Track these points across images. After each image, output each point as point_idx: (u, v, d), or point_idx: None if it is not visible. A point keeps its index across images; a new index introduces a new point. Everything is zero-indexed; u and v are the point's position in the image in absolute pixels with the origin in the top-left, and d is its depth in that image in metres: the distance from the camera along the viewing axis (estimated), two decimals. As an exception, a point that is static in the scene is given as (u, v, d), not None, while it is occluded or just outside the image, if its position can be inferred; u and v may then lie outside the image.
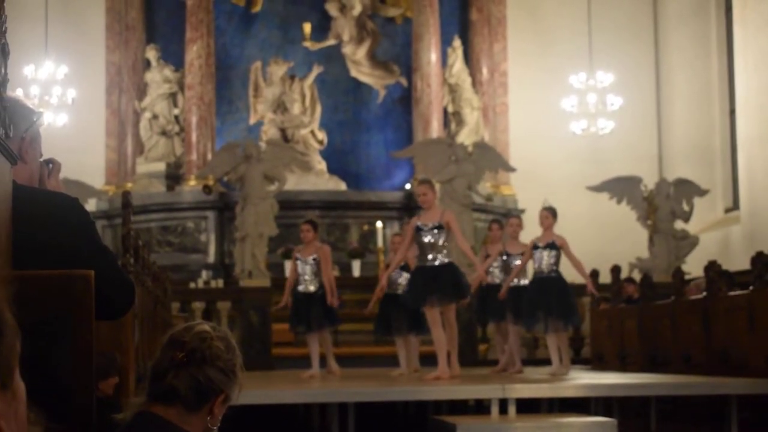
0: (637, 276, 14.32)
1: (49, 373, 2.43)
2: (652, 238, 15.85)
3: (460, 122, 19.42)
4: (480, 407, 9.41)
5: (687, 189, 15.93)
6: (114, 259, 2.88)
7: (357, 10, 19.41)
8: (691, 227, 16.13)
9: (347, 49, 19.52)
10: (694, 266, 14.21)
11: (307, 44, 19.46)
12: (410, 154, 17.34)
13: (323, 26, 19.68)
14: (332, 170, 18.86)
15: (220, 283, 16.55)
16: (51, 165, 2.98)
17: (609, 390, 8.76)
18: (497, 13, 19.76)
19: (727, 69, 18.34)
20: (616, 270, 13.00)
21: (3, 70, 2.26)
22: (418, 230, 9.51)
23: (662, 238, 15.67)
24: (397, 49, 19.99)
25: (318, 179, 18.54)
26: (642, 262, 15.89)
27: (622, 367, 11.62)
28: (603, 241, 18.03)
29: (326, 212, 17.49)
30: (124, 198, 6.59)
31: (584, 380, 9.36)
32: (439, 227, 9.43)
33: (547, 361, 11.31)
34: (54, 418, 2.20)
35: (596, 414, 8.86)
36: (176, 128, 18.95)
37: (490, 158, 16.50)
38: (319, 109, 19.15)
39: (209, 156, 17.90)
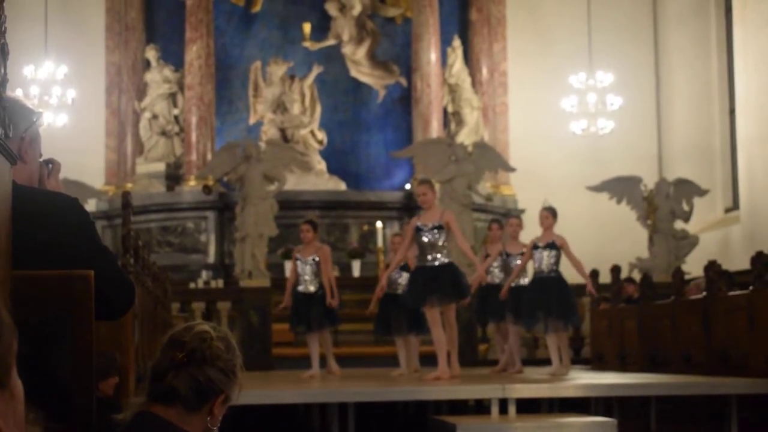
0: (637, 276, 14.32)
1: (49, 373, 2.43)
2: (652, 238, 15.86)
3: (460, 122, 19.42)
4: (480, 407, 9.41)
5: (687, 189, 15.94)
6: (114, 260, 2.88)
7: (357, 10, 19.41)
8: (691, 227, 16.13)
9: (347, 49, 19.52)
10: (694, 266, 14.21)
11: (307, 44, 19.46)
12: (410, 154, 17.34)
13: (323, 26, 19.68)
14: (332, 170, 18.86)
15: (220, 283, 16.56)
16: (51, 165, 2.98)
17: (609, 390, 8.75)
18: (497, 13, 19.76)
19: (727, 69, 18.34)
20: (616, 270, 13.00)
21: (3, 70, 2.26)
22: (418, 230, 9.51)
23: (662, 238, 15.68)
24: (396, 49, 20.00)
25: (318, 179, 18.54)
26: (642, 262, 15.89)
27: (622, 367, 11.62)
28: (603, 241, 18.04)
29: (326, 212, 17.49)
30: (124, 198, 6.59)
31: (584, 380, 9.36)
32: (439, 227, 9.43)
33: (547, 361, 11.31)
34: (54, 418, 2.20)
35: (596, 414, 8.85)
36: (176, 128, 18.95)
37: (489, 158, 16.50)
38: (318, 109, 19.15)
39: (209, 156, 17.90)
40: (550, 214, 10.26)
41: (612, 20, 19.84)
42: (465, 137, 18.62)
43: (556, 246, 10.12)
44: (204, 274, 17.23)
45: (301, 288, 10.72)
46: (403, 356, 10.93)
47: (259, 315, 13.68)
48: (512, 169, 17.38)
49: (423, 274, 9.49)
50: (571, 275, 10.57)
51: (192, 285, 16.15)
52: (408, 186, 18.42)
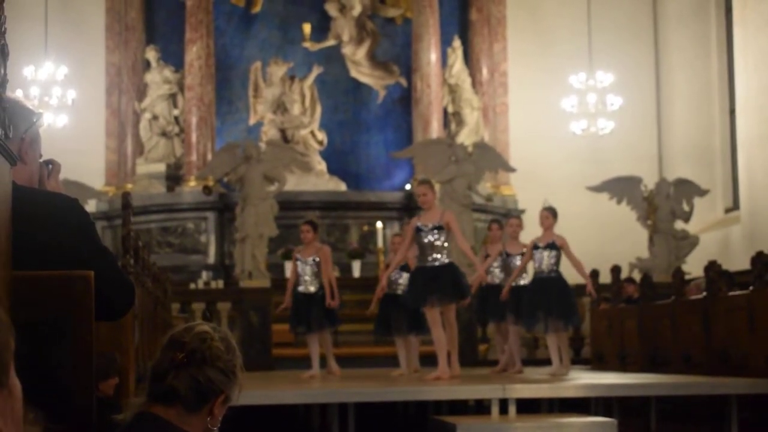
0: (637, 276, 14.32)
1: (49, 373, 2.43)
2: (652, 238, 15.86)
3: (460, 122, 19.42)
4: (480, 407, 9.41)
5: (687, 189, 15.94)
6: (114, 260, 2.89)
7: (357, 10, 19.41)
8: (691, 227, 16.13)
9: (347, 50, 19.53)
10: (694, 266, 14.21)
11: (307, 45, 19.47)
12: (410, 154, 17.34)
13: (323, 27, 19.69)
14: (332, 171, 18.86)
15: (220, 283, 16.56)
16: (51, 166, 2.98)
17: (609, 390, 8.76)
18: (497, 13, 19.76)
19: (727, 69, 18.34)
20: (616, 270, 13.00)
21: (2, 71, 2.26)
22: (418, 230, 9.51)
23: (662, 238, 15.68)
24: (396, 50, 20.00)
25: (318, 180, 18.54)
26: (642, 262, 15.89)
27: (622, 367, 11.62)
28: (603, 241, 18.03)
29: (326, 213, 17.49)
30: (124, 199, 6.59)
31: (584, 380, 9.36)
32: (439, 227, 9.43)
33: (547, 362, 11.31)
34: (54, 418, 2.21)
35: (596, 414, 8.86)
36: (176, 129, 18.95)
37: (490, 158, 16.50)
38: (318, 109, 19.15)
39: (209, 157, 17.90)
40: (550, 214, 10.26)
41: (612, 20, 19.84)
42: (465, 137, 18.62)
43: (556, 246, 10.12)
44: (204, 275, 17.23)
45: (301, 288, 10.72)
46: (403, 356, 10.93)
47: (259, 315, 13.68)
48: (512, 170, 17.39)
49: (423, 275, 9.49)
50: (571, 275, 10.57)
51: (192, 286, 16.15)
52: (408, 186, 18.42)
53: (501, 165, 17.29)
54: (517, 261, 10.62)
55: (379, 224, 17.62)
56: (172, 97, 19.00)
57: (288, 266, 14.28)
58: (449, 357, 9.60)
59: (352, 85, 19.80)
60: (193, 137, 18.43)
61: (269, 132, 18.62)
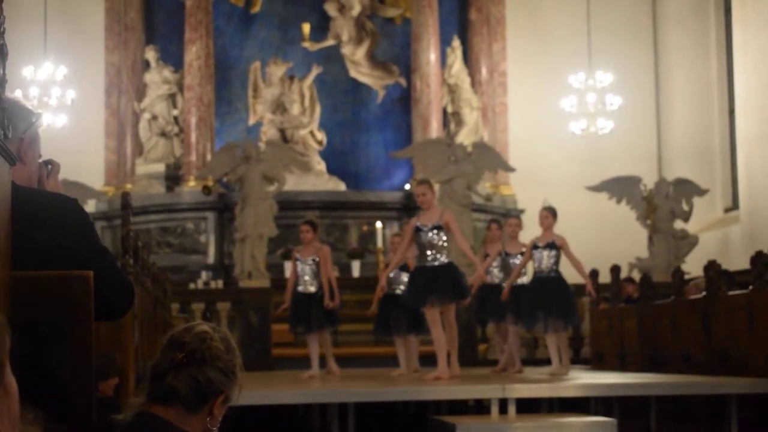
0: (636, 276, 14.32)
1: (49, 373, 2.43)
2: (652, 238, 15.86)
3: (460, 122, 19.42)
4: (480, 407, 9.40)
5: (686, 189, 15.94)
6: (113, 260, 2.89)
7: (356, 10, 19.41)
8: (691, 227, 16.13)
9: (346, 50, 19.52)
10: (693, 266, 14.21)
11: (306, 45, 19.47)
12: (409, 154, 17.34)
13: (322, 26, 19.68)
14: (331, 171, 18.86)
15: (220, 283, 16.55)
16: (50, 166, 2.98)
17: (609, 390, 8.75)
18: (496, 12, 19.76)
19: (726, 69, 18.34)
20: (615, 270, 12.99)
21: (2, 71, 2.26)
22: (418, 230, 9.51)
23: (662, 238, 15.68)
24: (396, 50, 20.00)
25: (317, 180, 18.54)
26: (641, 261, 15.89)
27: (622, 366, 11.62)
28: (602, 240, 18.03)
29: (326, 213, 17.49)
30: (124, 199, 6.59)
31: (584, 380, 9.36)
32: (439, 227, 9.43)
33: (546, 361, 11.31)
34: (54, 418, 2.20)
35: (596, 414, 8.85)
36: (175, 129, 18.95)
37: (489, 158, 16.51)
38: (318, 109, 19.15)
39: (208, 157, 17.90)
40: (549, 214, 10.26)
41: (611, 20, 19.84)
42: (464, 137, 18.62)
43: (555, 246, 10.12)
44: (204, 275, 17.23)
45: (300, 288, 10.72)
46: (402, 356, 10.93)
47: (258, 315, 13.68)
48: (512, 169, 17.39)
49: (423, 275, 9.49)
50: (570, 275, 10.57)
51: (192, 286, 16.15)
52: (407, 186, 18.42)
53: (500, 165, 17.29)
54: (517, 261, 10.62)
55: (378, 224, 17.62)
56: (172, 97, 19.00)
57: (287, 266, 14.28)
58: (449, 357, 9.60)
59: (351, 85, 19.80)
60: (193, 137, 18.42)
61: (268, 132, 18.61)
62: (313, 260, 10.66)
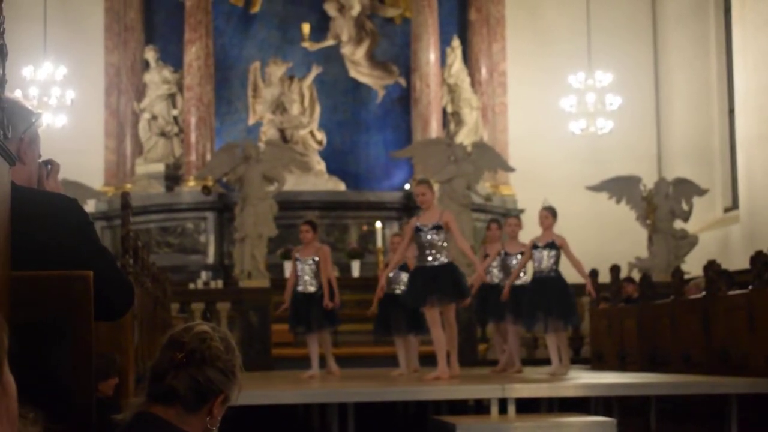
0: (636, 275, 14.31)
1: (49, 373, 2.43)
2: (652, 238, 15.86)
3: (459, 122, 19.42)
4: (479, 407, 9.40)
5: (686, 188, 15.94)
6: (113, 260, 2.89)
7: (356, 10, 19.41)
8: (691, 227, 16.13)
9: (346, 50, 19.53)
10: (693, 266, 14.21)
11: (306, 44, 19.47)
12: (409, 154, 17.35)
13: (322, 26, 19.69)
14: (331, 171, 18.86)
15: (220, 283, 16.56)
16: (50, 166, 2.98)
17: (608, 389, 8.75)
18: (496, 12, 19.76)
19: (726, 68, 18.34)
20: (615, 269, 12.99)
21: (1, 71, 2.26)
22: (418, 230, 9.51)
23: (661, 238, 15.68)
24: (396, 50, 20.00)
25: (317, 180, 18.54)
26: (641, 261, 15.89)
27: (622, 366, 11.62)
28: (602, 240, 18.04)
29: (325, 213, 17.49)
30: (123, 199, 6.60)
31: (584, 380, 9.36)
32: (439, 227, 9.43)
33: (546, 361, 11.31)
34: (54, 418, 2.20)
35: (596, 414, 8.85)
36: (175, 129, 18.95)
37: (489, 158, 16.51)
38: (318, 109, 19.15)
39: (208, 157, 17.90)
40: (549, 213, 10.25)
41: (611, 20, 19.84)
42: (464, 137, 18.63)
43: (555, 246, 10.12)
44: (203, 275, 17.23)
45: (300, 288, 10.71)
46: (402, 356, 10.93)
47: (258, 315, 13.68)
48: (511, 169, 17.39)
49: (423, 275, 9.49)
50: (570, 275, 10.57)
51: (191, 285, 16.15)
52: (407, 186, 18.42)
53: (500, 165, 17.29)
54: (516, 260, 10.62)
55: (378, 224, 17.63)
56: (171, 97, 19.00)
57: (287, 266, 14.29)
58: (449, 357, 9.60)
59: (351, 85, 19.80)
60: (192, 137, 18.42)
61: (268, 132, 18.61)
62: (313, 260, 10.66)
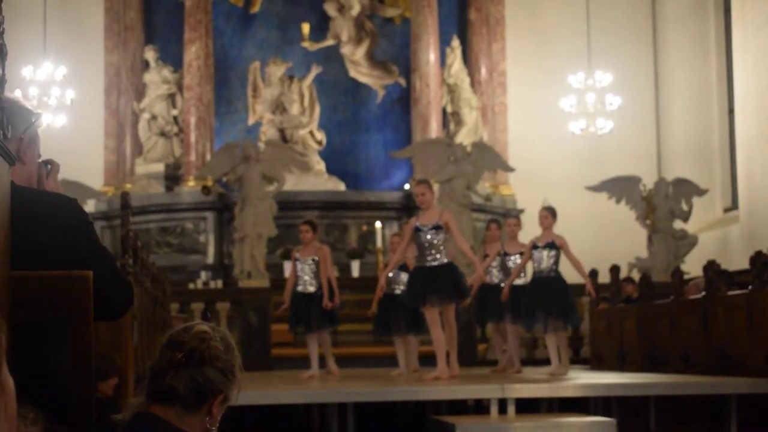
0: (636, 276, 14.32)
1: (49, 374, 2.43)
2: (651, 238, 15.86)
3: (459, 122, 19.42)
4: (479, 407, 9.41)
5: (686, 188, 15.94)
6: (112, 260, 2.89)
7: (355, 10, 19.41)
8: (690, 227, 16.14)
9: (346, 50, 19.53)
10: (693, 266, 14.21)
11: (306, 44, 19.47)
12: (409, 154, 17.35)
13: (322, 26, 19.69)
14: (331, 171, 18.86)
15: (219, 283, 16.55)
16: (49, 166, 2.98)
17: (608, 390, 8.76)
18: (496, 12, 19.76)
19: (725, 68, 18.35)
20: (615, 270, 12.99)
21: (1, 71, 2.26)
22: (417, 230, 9.51)
23: (661, 238, 15.68)
24: (395, 50, 20.00)
25: (317, 180, 18.54)
26: (641, 261, 15.89)
27: (621, 366, 11.62)
28: (602, 240, 18.04)
29: (325, 213, 17.49)
30: (123, 199, 6.60)
31: (583, 380, 9.36)
32: (438, 227, 9.43)
33: (546, 361, 11.31)
34: (54, 418, 2.21)
35: (595, 414, 8.86)
36: (175, 129, 18.95)
37: (488, 158, 16.51)
38: (317, 109, 19.15)
39: (208, 157, 17.90)
40: (549, 213, 10.25)
41: (611, 20, 19.85)
42: (464, 137, 18.63)
43: (555, 246, 10.11)
44: (203, 275, 17.23)
45: (300, 288, 10.71)
46: (402, 356, 10.93)
47: (258, 315, 13.69)
48: (511, 169, 17.39)
49: (422, 275, 9.49)
50: (570, 275, 10.57)
51: (191, 285, 16.15)
52: (407, 186, 18.42)
53: (500, 165, 17.30)
54: (516, 261, 10.62)
55: (378, 224, 17.62)
56: (171, 97, 19.00)
57: (287, 266, 14.29)
58: (448, 357, 9.60)
59: (350, 85, 19.80)
60: (192, 137, 18.42)
61: (268, 132, 18.61)
62: (313, 260, 10.66)
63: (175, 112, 18.96)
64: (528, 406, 8.57)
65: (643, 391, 8.80)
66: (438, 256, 9.46)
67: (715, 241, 17.39)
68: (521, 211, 18.00)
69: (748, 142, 16.31)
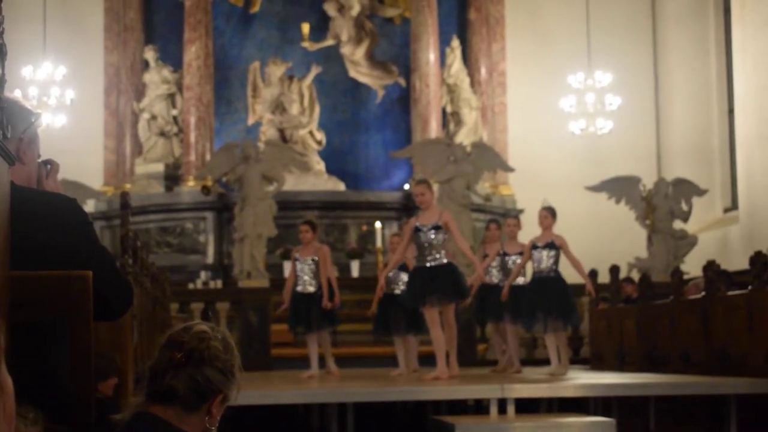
0: (635, 276, 14.32)
1: (48, 374, 2.43)
2: (651, 238, 15.86)
3: (459, 122, 19.42)
4: (479, 407, 9.40)
5: (686, 189, 15.94)
6: (112, 260, 2.89)
7: (355, 10, 19.41)
8: (690, 227, 16.14)
9: (346, 50, 19.53)
10: (692, 266, 14.21)
11: (306, 44, 19.47)
12: (409, 154, 17.35)
13: (322, 26, 19.69)
14: (331, 171, 18.86)
15: (219, 283, 16.55)
16: (49, 166, 2.98)
17: (608, 390, 8.76)
18: (495, 12, 19.76)
19: (725, 69, 18.35)
20: (614, 270, 12.99)
21: (1, 71, 2.26)
22: (417, 230, 9.51)
23: (661, 238, 15.68)
24: (395, 50, 20.00)
25: (317, 180, 18.54)
26: (641, 261, 15.89)
27: (621, 366, 11.62)
28: (602, 240, 18.03)
29: (325, 213, 17.49)
30: (123, 199, 6.60)
31: (583, 380, 9.36)
32: (438, 227, 9.43)
33: (545, 361, 11.31)
34: (54, 418, 2.21)
35: (595, 414, 8.86)
36: (175, 129, 18.95)
37: (488, 158, 16.51)
38: (317, 109, 19.15)
39: (208, 157, 17.90)
40: (549, 214, 10.25)
41: (611, 20, 19.85)
42: (464, 137, 18.62)
43: (555, 246, 10.11)
44: (203, 275, 17.23)
45: (300, 288, 10.71)
46: (401, 356, 10.93)
47: (257, 315, 13.68)
48: (511, 169, 17.39)
49: (422, 275, 9.49)
50: (570, 275, 10.57)
51: (191, 285, 16.15)
52: (407, 186, 18.42)
53: (499, 165, 17.29)
54: (516, 261, 10.62)
55: (377, 224, 17.63)
56: (171, 97, 19.00)
57: (287, 266, 14.28)
58: (448, 357, 9.60)
59: (350, 85, 19.80)
60: (192, 137, 18.42)
61: (268, 132, 18.61)
62: (313, 260, 10.66)
63: (174, 112, 18.97)
64: (528, 406, 8.57)
65: (642, 391, 8.80)
66: (438, 256, 9.46)
67: (714, 241, 17.39)
68: (521, 211, 18.00)
69: (748, 142, 16.31)
